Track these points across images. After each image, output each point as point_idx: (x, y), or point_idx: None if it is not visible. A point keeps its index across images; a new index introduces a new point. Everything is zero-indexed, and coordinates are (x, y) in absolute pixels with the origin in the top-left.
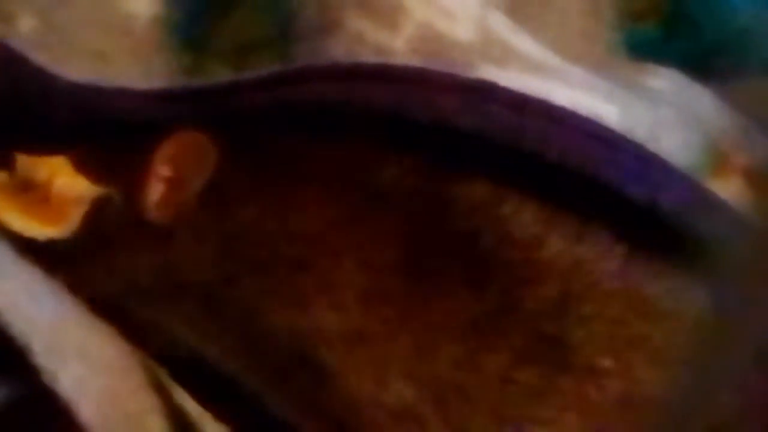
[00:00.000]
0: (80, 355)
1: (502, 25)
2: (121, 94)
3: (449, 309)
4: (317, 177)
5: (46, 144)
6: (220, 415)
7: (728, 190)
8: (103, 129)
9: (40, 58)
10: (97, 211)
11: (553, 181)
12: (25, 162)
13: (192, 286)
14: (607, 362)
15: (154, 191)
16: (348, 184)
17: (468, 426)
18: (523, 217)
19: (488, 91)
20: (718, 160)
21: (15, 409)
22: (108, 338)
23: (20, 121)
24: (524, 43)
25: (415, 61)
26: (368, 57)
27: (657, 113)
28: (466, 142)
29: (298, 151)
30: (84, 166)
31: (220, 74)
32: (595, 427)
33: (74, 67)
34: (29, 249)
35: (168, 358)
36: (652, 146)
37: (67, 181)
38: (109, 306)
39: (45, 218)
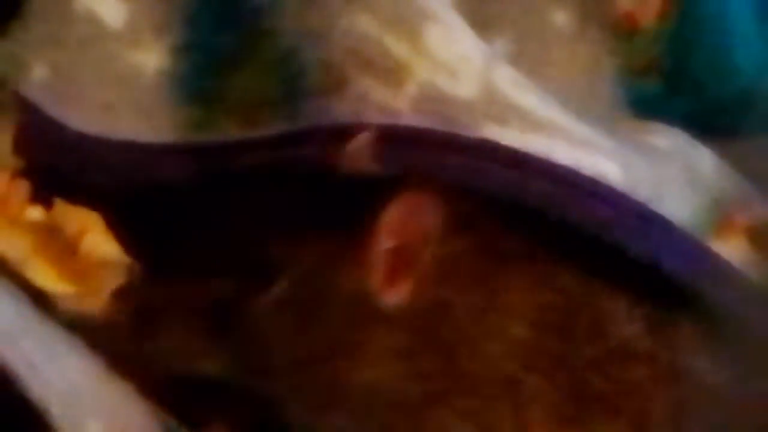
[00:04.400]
0: (98, 416)
1: (506, 81)
2: (126, 146)
3: None
4: (542, 276)
5: (58, 191)
6: None
7: (731, 249)
8: (111, 180)
9: (52, 107)
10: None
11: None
12: (61, 209)
13: (388, 395)
14: None
15: (380, 267)
16: (554, 292)
17: None
18: (633, 328)
19: (490, 151)
20: (720, 219)
21: None
22: (127, 398)
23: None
24: (528, 98)
25: (418, 121)
26: (373, 116)
27: (659, 172)
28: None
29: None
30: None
31: (229, 130)
32: None
33: (84, 117)
34: None
35: None
36: (654, 205)
37: (96, 239)
38: None
39: (70, 274)
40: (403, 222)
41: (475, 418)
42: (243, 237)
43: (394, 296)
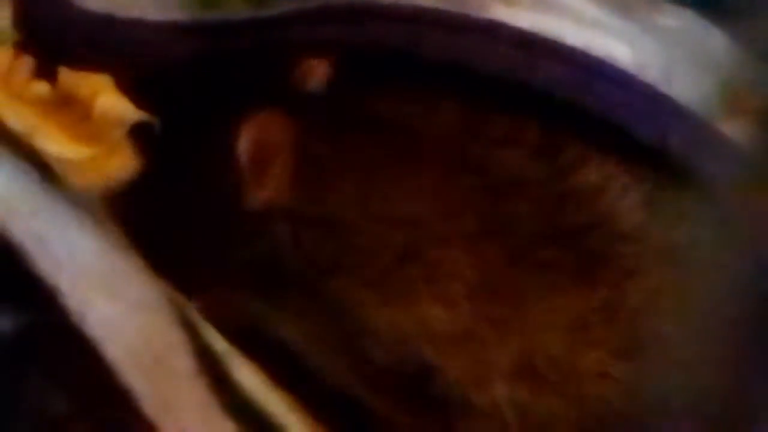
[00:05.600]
0: (108, 295)
1: None
2: (134, 25)
3: (558, 307)
4: (434, 156)
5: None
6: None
7: (739, 130)
8: (119, 59)
9: None
10: (185, 201)
11: (649, 162)
12: (68, 77)
13: (290, 277)
14: (692, 357)
15: (243, 177)
16: (468, 166)
17: (550, 421)
18: (626, 203)
19: (498, 31)
20: (729, 100)
21: (33, 338)
22: (137, 276)
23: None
24: None
25: (427, 1)
26: None
27: (669, 53)
28: (577, 123)
29: (408, 125)
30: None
31: (237, 9)
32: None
33: None
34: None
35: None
36: (663, 86)
37: (108, 100)
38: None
39: (84, 137)
40: (260, 136)
41: (379, 287)
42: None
43: (258, 196)
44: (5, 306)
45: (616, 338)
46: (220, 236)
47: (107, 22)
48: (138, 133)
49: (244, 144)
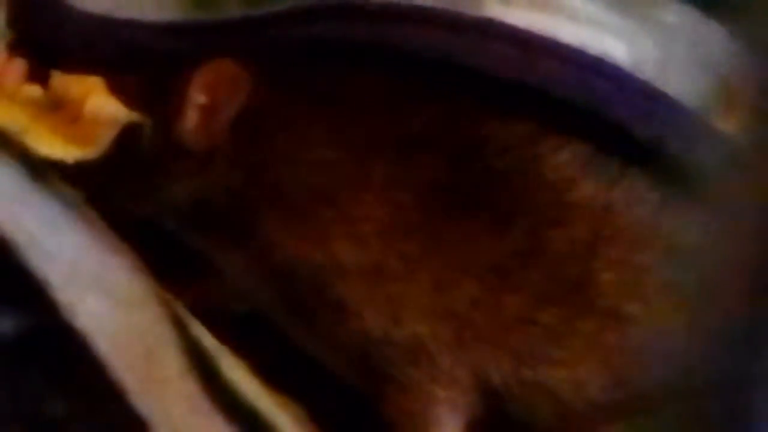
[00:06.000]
0: (98, 290)
1: None
2: (131, 25)
3: (472, 248)
4: (351, 112)
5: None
6: (241, 350)
7: (735, 127)
8: (116, 59)
9: None
10: (133, 136)
11: (594, 125)
12: (59, 79)
13: (223, 213)
14: (632, 308)
15: (191, 118)
16: (382, 121)
17: (482, 365)
18: (559, 158)
19: (493, 30)
20: (726, 98)
21: (30, 340)
22: (126, 272)
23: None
24: None
25: None
26: None
27: (666, 50)
28: (509, 85)
29: (336, 86)
30: (118, 88)
31: (231, 8)
32: (612, 372)
33: None
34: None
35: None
36: (659, 84)
37: (99, 102)
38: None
39: (74, 138)
40: (213, 82)
41: (294, 226)
42: None
43: (197, 143)
44: (6, 308)
45: (537, 284)
46: (163, 173)
47: (104, 22)
48: None
49: (197, 88)
